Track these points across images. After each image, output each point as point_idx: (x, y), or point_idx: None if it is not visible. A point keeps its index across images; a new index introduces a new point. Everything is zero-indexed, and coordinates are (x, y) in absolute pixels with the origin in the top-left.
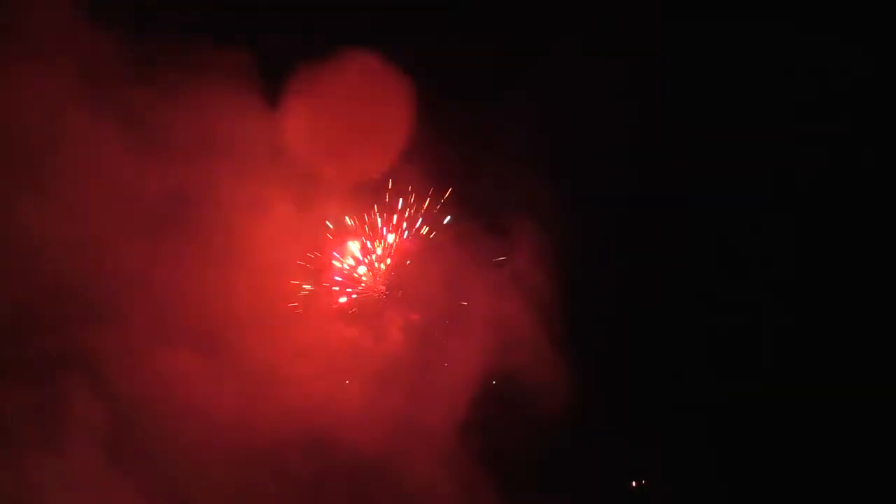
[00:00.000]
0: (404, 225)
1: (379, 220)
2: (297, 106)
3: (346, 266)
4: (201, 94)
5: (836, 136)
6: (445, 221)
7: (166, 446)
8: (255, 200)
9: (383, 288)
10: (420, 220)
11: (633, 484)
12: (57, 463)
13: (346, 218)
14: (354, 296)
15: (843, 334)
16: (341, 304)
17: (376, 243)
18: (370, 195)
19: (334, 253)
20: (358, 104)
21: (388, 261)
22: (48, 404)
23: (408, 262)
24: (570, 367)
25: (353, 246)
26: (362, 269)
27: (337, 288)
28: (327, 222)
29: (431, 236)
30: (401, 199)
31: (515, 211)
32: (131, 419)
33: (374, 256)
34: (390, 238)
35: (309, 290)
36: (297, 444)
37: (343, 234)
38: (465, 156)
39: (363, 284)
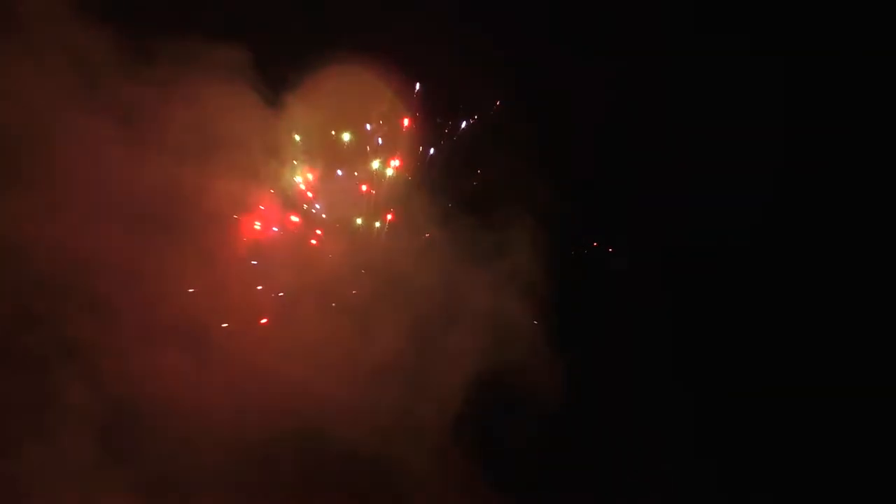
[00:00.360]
0: (389, 217)
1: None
2: (292, 101)
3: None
4: (197, 89)
5: (837, 136)
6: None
7: (157, 442)
8: (248, 197)
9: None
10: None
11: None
12: (46, 458)
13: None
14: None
15: (843, 334)
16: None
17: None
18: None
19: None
20: (354, 101)
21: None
22: (37, 398)
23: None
24: (567, 364)
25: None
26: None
27: None
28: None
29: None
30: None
31: (513, 206)
32: (120, 415)
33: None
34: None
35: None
36: (290, 440)
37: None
38: (462, 151)
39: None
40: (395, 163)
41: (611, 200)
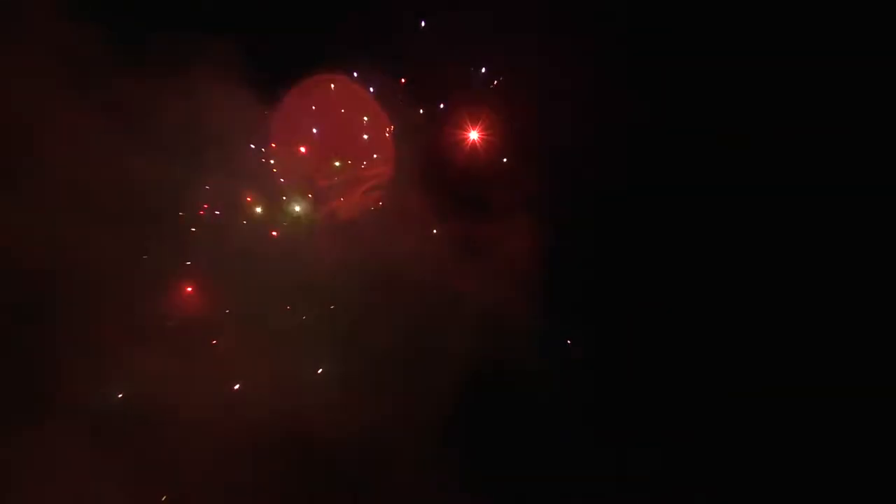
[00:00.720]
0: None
1: None
2: (287, 100)
3: None
4: (188, 84)
5: (837, 136)
6: None
7: (144, 440)
8: (239, 194)
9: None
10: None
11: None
12: (33, 455)
13: None
14: None
15: (842, 334)
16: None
17: None
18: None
19: None
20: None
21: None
22: (25, 396)
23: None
24: (563, 360)
25: None
26: None
27: None
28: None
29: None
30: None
31: (510, 199)
32: (106, 413)
33: None
34: None
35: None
36: (280, 437)
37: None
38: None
39: None
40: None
41: (610, 195)
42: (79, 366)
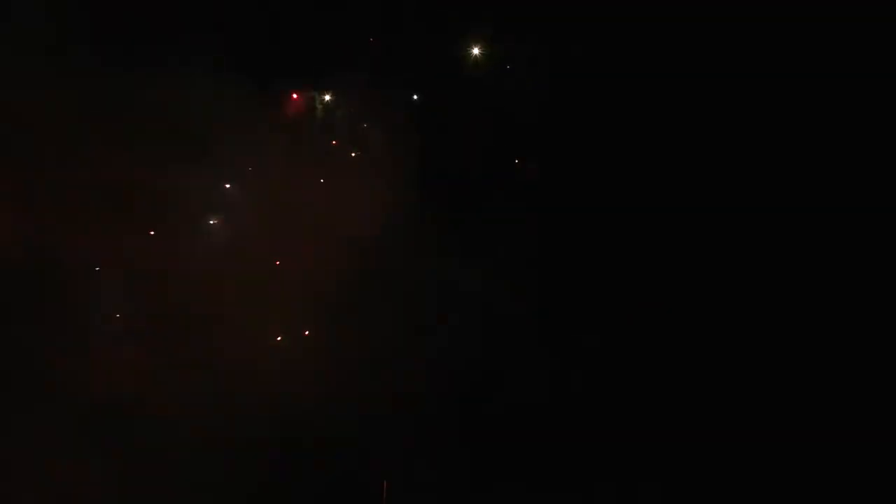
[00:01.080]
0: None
1: None
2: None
3: None
4: (180, 81)
5: (836, 138)
6: None
7: (136, 435)
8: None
9: None
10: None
11: None
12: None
13: None
14: None
15: (842, 334)
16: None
17: None
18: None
19: None
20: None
21: None
22: (19, 393)
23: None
24: (558, 360)
25: None
26: None
27: None
28: None
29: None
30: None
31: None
32: (99, 411)
33: None
34: None
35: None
36: (272, 436)
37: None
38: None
39: None
40: None
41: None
42: (66, 364)
